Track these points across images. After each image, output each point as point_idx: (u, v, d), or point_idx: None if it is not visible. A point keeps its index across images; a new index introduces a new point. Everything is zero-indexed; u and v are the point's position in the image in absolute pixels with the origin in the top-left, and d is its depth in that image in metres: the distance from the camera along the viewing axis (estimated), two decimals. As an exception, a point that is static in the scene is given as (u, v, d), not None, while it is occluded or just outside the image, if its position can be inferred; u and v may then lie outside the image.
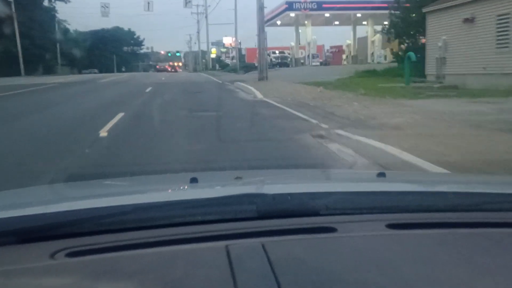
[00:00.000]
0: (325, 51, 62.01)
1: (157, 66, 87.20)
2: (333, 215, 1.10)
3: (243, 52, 71.90)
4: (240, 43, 71.60)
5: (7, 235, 0.99)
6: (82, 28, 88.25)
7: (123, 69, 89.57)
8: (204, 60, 79.75)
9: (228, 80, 26.30)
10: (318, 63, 48.35)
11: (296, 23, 52.68)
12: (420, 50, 19.76)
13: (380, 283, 0.80)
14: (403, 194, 1.33)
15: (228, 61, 69.11)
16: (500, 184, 1.64)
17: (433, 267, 0.86)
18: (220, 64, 69.36)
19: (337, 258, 0.90)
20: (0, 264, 0.88)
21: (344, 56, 53.89)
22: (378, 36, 45.99)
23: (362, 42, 52.13)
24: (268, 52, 48.17)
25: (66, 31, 70.01)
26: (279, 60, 48.28)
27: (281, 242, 0.96)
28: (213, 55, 73.61)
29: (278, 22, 53.44)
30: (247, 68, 43.58)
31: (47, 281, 0.85)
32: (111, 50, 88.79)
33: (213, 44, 67.20)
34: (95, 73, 72.22)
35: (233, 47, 71.31)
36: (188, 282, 0.81)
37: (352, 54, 51.99)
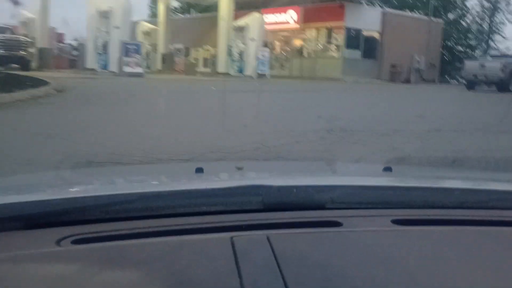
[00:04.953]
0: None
1: None
2: (338, 209, 1.10)
3: None
4: None
5: (15, 220, 0.99)
6: None
7: None
8: None
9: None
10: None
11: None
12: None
13: (385, 279, 0.81)
14: (409, 189, 1.32)
15: None
16: (507, 182, 1.64)
17: (438, 264, 0.87)
18: None
19: (342, 253, 0.91)
20: (7, 249, 0.89)
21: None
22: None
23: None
24: None
25: None
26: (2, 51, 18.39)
27: (286, 235, 0.97)
28: None
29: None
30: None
31: (53, 267, 0.86)
32: None
33: None
34: None
35: None
36: (194, 272, 0.82)
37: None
